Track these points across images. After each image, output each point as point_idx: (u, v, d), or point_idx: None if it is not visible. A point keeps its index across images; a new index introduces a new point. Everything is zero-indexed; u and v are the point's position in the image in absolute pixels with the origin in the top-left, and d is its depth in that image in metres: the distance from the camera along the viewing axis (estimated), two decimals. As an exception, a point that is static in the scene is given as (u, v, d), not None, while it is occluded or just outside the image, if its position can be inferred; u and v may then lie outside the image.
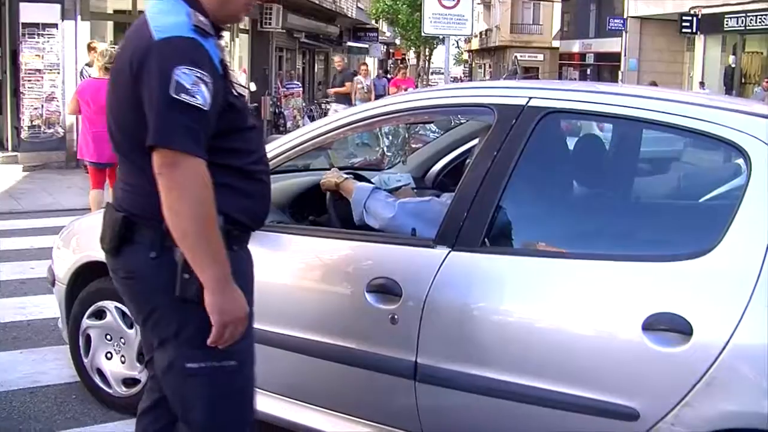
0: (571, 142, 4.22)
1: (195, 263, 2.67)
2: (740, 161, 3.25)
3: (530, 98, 3.75)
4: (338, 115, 4.38)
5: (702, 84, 31.50)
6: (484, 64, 71.47)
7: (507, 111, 3.72)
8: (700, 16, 32.63)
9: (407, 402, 3.67)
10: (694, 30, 33.42)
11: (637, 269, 3.31)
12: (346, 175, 4.53)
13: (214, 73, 2.73)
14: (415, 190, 5.19)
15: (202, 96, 2.64)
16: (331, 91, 22.87)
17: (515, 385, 3.39)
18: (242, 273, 2.92)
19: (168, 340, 2.91)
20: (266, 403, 3.96)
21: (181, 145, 2.61)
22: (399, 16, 55.24)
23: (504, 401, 3.45)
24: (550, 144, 3.90)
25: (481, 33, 68.61)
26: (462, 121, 5.56)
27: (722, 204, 3.25)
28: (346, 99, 20.87)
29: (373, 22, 51.61)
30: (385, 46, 57.05)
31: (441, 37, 23.55)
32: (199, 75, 2.64)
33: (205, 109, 2.65)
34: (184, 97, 2.60)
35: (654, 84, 21.77)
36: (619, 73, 38.57)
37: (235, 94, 2.94)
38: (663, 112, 3.52)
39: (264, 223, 3.13)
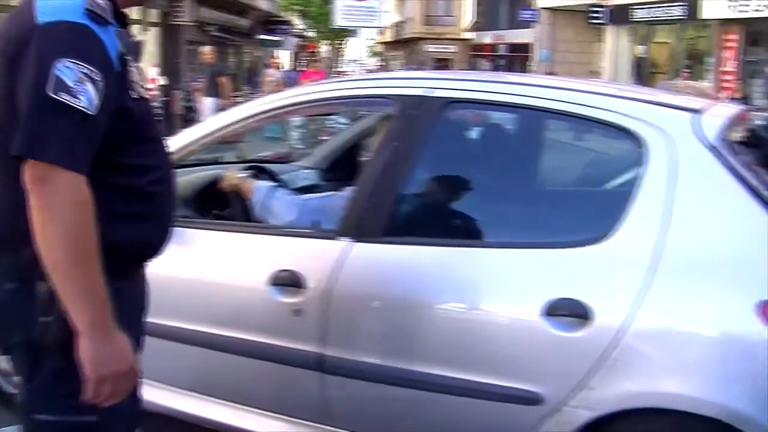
0: (476, 133, 4.25)
1: (67, 301, 2.16)
2: (638, 149, 3.30)
3: (430, 89, 3.77)
4: (243, 107, 4.34)
5: (596, 73, 31.98)
6: (398, 56, 71.59)
7: (406, 101, 3.73)
8: (608, 7, 33.14)
9: (316, 394, 3.67)
10: (603, 21, 33.95)
11: (538, 256, 3.36)
12: (244, 175, 4.49)
13: (108, 69, 2.22)
14: (321, 184, 5.18)
15: (87, 97, 2.14)
16: (197, 90, 20.31)
17: (420, 374, 3.42)
18: (127, 315, 2.37)
19: (22, 383, 2.44)
20: (175, 400, 3.93)
21: (55, 156, 2.10)
22: (310, 9, 55.03)
23: (410, 390, 3.47)
24: (451, 134, 3.93)
25: (394, 25, 68.73)
26: (369, 112, 5.57)
27: (621, 191, 3.32)
28: (215, 94, 18.98)
29: (286, 15, 51.40)
30: (298, 39, 56.86)
31: (353, 29, 23.53)
32: (86, 71, 2.14)
33: (90, 113, 2.14)
34: (64, 97, 2.10)
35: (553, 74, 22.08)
36: (531, 64, 39.01)
37: (136, 96, 2.39)
38: (562, 101, 3.57)
39: (161, 253, 2.66)
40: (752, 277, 3.05)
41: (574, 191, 4.00)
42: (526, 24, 40.42)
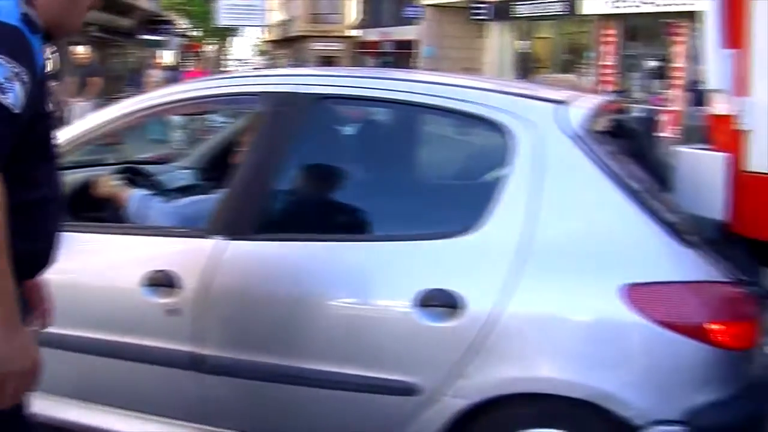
0: (348, 128, 4.27)
1: None
2: (505, 140, 3.36)
3: (298, 85, 3.78)
4: (114, 107, 4.27)
5: (472, 69, 32.40)
6: (285, 55, 71.30)
7: (275, 99, 3.73)
8: (491, 4, 33.60)
9: (195, 394, 3.65)
10: (486, 17, 34.42)
11: (409, 248, 3.40)
12: (118, 181, 4.42)
13: (34, 74, 2.20)
14: (197, 184, 5.13)
15: (14, 95, 2.11)
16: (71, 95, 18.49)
17: (297, 370, 3.44)
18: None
19: None
20: (57, 408, 3.84)
21: None
22: (193, 8, 54.28)
23: (288, 386, 3.49)
24: (321, 130, 3.94)
25: (280, 23, 68.43)
26: (241, 110, 5.55)
27: (489, 182, 3.38)
28: (86, 95, 17.49)
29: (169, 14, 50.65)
30: (183, 39, 56.08)
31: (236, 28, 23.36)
32: (17, 70, 2.13)
33: (16, 111, 2.12)
34: None
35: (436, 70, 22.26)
36: (416, 61, 39.28)
37: (47, 110, 2.39)
38: (431, 95, 3.62)
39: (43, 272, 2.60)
40: (616, 262, 3.16)
41: (445, 184, 4.06)
42: (410, 21, 40.69)
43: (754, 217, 3.53)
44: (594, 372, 3.12)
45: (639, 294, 3.06)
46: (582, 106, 3.54)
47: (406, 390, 3.28)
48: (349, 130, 4.19)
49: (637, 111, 20.34)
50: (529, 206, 3.23)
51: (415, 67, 34.55)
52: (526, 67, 32.05)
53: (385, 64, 43.09)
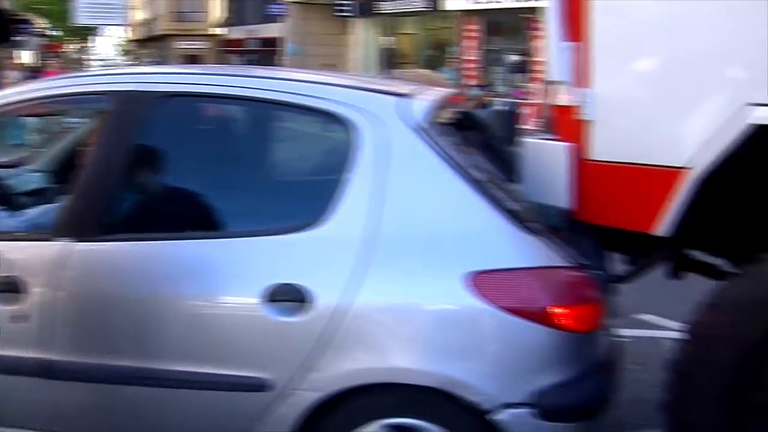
0: (195, 125, 4.21)
1: None
2: (348, 133, 3.39)
3: (143, 83, 3.74)
4: None
5: (331, 65, 32.52)
6: (149, 54, 70.04)
7: (121, 97, 3.67)
8: (355, 1, 33.74)
9: (47, 401, 3.57)
10: (351, 14, 34.55)
11: (258, 243, 3.40)
12: None
13: None
14: (47, 186, 5.00)
15: None
16: None
17: (148, 371, 3.40)
18: None
19: None
20: None
21: None
22: (50, 7, 52.74)
23: (140, 388, 3.45)
24: (168, 128, 3.88)
25: (142, 22, 67.21)
26: (88, 110, 5.42)
27: (334, 175, 3.40)
28: None
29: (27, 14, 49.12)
30: (42, 39, 54.54)
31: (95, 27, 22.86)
32: None
33: None
34: None
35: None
36: (281, 58, 39.15)
37: None
38: (277, 91, 3.63)
39: None
40: (461, 251, 3.23)
41: (292, 179, 4.07)
42: (275, 18, 40.52)
43: (597, 204, 3.64)
44: (443, 360, 3.18)
45: (483, 281, 3.13)
46: (426, 99, 3.59)
47: (258, 386, 3.29)
48: (196, 127, 4.13)
49: (499, 104, 20.82)
50: (374, 199, 3.28)
51: (279, 65, 34.42)
52: (391, 63, 32.29)
53: (249, 63, 42.78)
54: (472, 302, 3.12)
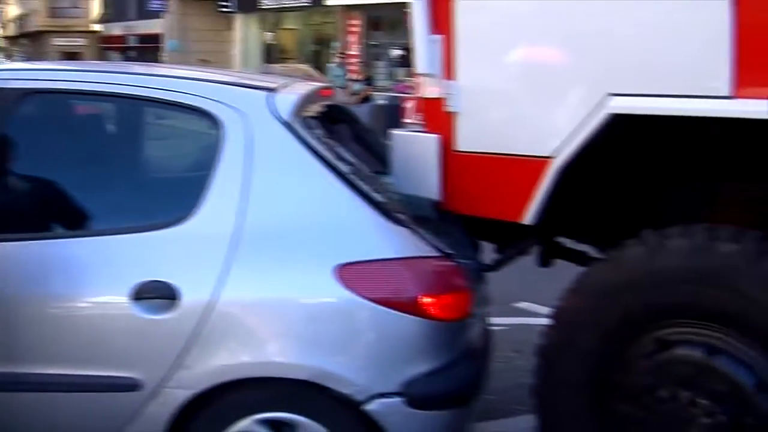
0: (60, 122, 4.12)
1: None
2: (216, 129, 3.38)
3: (8, 80, 3.63)
4: None
5: (206, 61, 32.24)
6: (25, 51, 68.16)
7: None
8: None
9: None
10: (232, 9, 34.25)
11: (125, 241, 3.35)
12: None
13: None
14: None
15: None
16: None
17: (14, 375, 3.33)
18: None
19: None
20: None
21: None
22: None
23: (6, 393, 3.36)
24: (30, 125, 3.79)
25: (17, 18, 65.38)
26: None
27: (201, 171, 3.39)
28: None
29: None
30: None
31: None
32: None
33: None
34: None
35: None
36: (162, 55, 38.60)
37: None
38: (143, 87, 3.60)
39: None
40: (328, 243, 3.25)
41: (159, 176, 4.01)
42: (155, 14, 39.88)
43: (465, 194, 3.70)
44: (314, 352, 3.20)
45: (352, 273, 3.16)
46: (294, 93, 3.61)
47: (128, 386, 3.25)
48: (63, 124, 4.04)
49: (381, 99, 20.94)
50: (241, 193, 3.27)
51: (159, 62, 33.90)
52: (273, 58, 32.11)
53: (128, 59, 42.02)
54: (340, 294, 3.14)
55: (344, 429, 3.25)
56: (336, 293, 3.14)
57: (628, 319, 3.26)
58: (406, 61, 25.95)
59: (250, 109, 3.40)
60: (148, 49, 43.17)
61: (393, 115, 21.22)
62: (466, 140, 3.66)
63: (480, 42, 3.60)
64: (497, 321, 6.67)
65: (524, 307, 7.36)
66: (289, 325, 3.22)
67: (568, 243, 4.37)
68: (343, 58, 25.02)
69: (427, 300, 3.18)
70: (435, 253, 3.34)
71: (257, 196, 3.26)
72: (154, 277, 3.21)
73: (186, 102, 3.47)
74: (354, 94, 22.11)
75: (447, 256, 3.38)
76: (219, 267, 3.19)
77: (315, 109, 3.74)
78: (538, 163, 3.39)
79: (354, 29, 28.32)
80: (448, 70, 3.68)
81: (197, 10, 37.66)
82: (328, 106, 4.00)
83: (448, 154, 3.70)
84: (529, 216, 3.44)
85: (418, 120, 3.99)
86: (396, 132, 4.04)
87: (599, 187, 3.83)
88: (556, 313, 3.47)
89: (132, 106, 3.76)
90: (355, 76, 23.26)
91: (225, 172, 3.31)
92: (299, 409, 3.24)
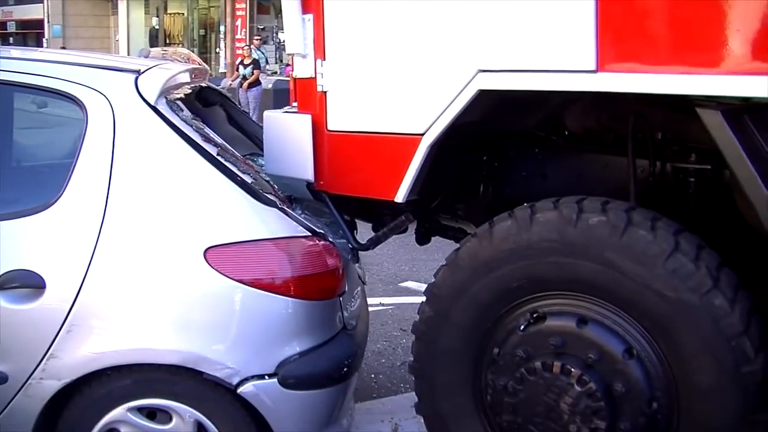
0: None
1: None
2: (80, 112, 3.30)
3: None
4: None
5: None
6: None
7: None
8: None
9: None
10: (115, -6, 33.70)
11: None
12: None
13: None
14: None
15: None
16: None
17: None
18: None
19: None
20: None
21: None
22: None
23: None
24: None
25: None
26: None
27: (67, 157, 3.31)
28: None
29: None
30: None
31: None
32: None
33: None
34: None
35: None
36: (44, 41, 37.68)
37: None
38: (7, 71, 3.47)
39: None
40: (197, 226, 3.21)
41: (25, 162, 3.86)
42: (35, -1, 38.91)
43: (338, 174, 3.68)
44: (185, 337, 3.16)
45: (221, 255, 3.13)
46: (159, 75, 3.52)
47: None
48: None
49: (269, 83, 20.80)
50: (107, 177, 3.20)
51: (41, 47, 33.07)
52: (159, 44, 31.64)
53: (7, 45, 40.88)
54: (210, 276, 3.10)
55: (220, 413, 3.22)
56: (205, 275, 3.10)
57: (501, 293, 3.29)
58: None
59: (114, 92, 3.32)
60: (28, 35, 42.11)
61: (281, 99, 21.22)
62: (337, 119, 3.64)
63: (348, 20, 3.57)
64: (384, 301, 6.79)
65: (410, 286, 7.42)
66: (159, 309, 3.16)
67: (446, 221, 4.40)
68: (260, 40, 24.74)
69: (297, 280, 3.18)
70: (305, 233, 3.32)
71: (121, 180, 3.19)
72: (18, 266, 3.13)
73: (49, 86, 3.38)
74: (243, 78, 21.91)
75: (318, 236, 3.37)
76: (84, 254, 3.12)
77: (184, 91, 3.68)
78: (408, 141, 3.39)
79: (240, 13, 28.09)
80: (319, 49, 3.65)
81: (81, -5, 36.93)
82: (201, 89, 3.94)
83: (320, 134, 3.67)
84: (400, 194, 3.45)
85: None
86: (268, 113, 4.00)
87: (469, 164, 3.88)
88: (431, 289, 3.48)
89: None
90: (245, 60, 23.04)
91: (88, 156, 3.23)
92: (173, 394, 3.20)
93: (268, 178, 3.67)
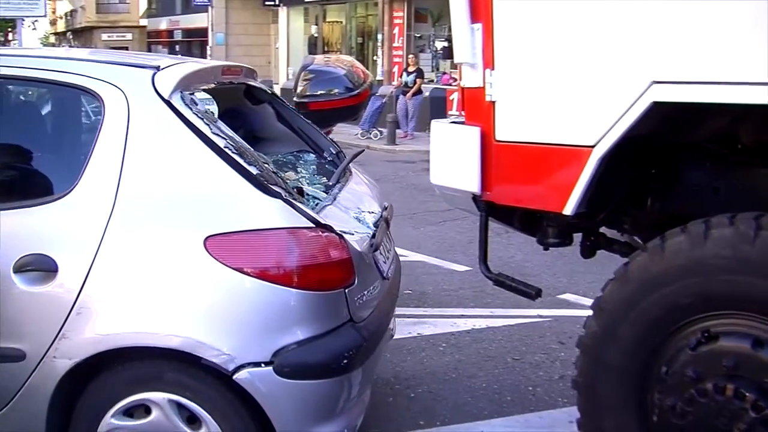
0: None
1: None
2: (97, 105, 3.46)
3: None
4: None
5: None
6: (74, 46, 69.03)
7: None
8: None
9: None
10: (276, 3, 34.42)
11: (7, 216, 3.38)
12: None
13: None
14: None
15: None
16: None
17: None
18: None
19: None
20: None
21: None
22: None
23: None
24: None
25: (65, 14, 66.22)
26: None
27: (83, 147, 3.49)
28: None
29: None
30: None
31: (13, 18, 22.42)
32: None
33: None
34: None
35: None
36: (207, 48, 38.89)
37: None
38: (28, 68, 3.67)
39: None
40: (201, 215, 3.30)
41: (42, 153, 3.99)
42: (200, 8, 40.17)
43: (506, 185, 3.64)
44: (186, 322, 3.22)
45: (223, 244, 3.19)
46: (178, 71, 3.65)
47: (14, 357, 3.30)
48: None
49: (426, 91, 20.82)
50: (120, 167, 3.32)
51: (207, 56, 34.15)
52: (318, 52, 32.19)
53: (174, 54, 42.37)
54: (213, 264, 3.16)
55: (217, 399, 3.28)
56: (208, 263, 3.17)
57: (671, 310, 3.20)
58: (449, 53, 25.98)
59: (131, 86, 3.46)
60: (193, 43, 43.55)
61: (437, 108, 21.29)
62: (506, 130, 3.60)
63: (518, 29, 3.54)
64: (542, 313, 6.71)
65: (568, 299, 7.31)
66: (163, 295, 3.24)
67: (611, 234, 4.32)
68: (380, 49, 25.01)
69: (297, 270, 3.21)
70: (308, 224, 3.32)
71: (131, 170, 3.32)
72: (34, 250, 3.27)
73: (69, 81, 3.54)
74: (406, 86, 22.07)
75: (322, 227, 3.36)
76: (93, 241, 3.24)
77: (219, 88, 3.96)
78: (578, 153, 3.33)
79: (398, 21, 28.30)
80: (487, 58, 3.62)
81: (242, 4, 37.95)
82: (249, 87, 4.03)
83: (488, 144, 3.64)
84: (569, 206, 3.38)
85: (461, 110, 3.93)
86: (435, 122, 3.99)
87: (643, 179, 3.79)
88: (599, 303, 3.42)
89: (19, 86, 3.90)
90: (407, 68, 23.22)
91: (103, 148, 3.37)
92: (176, 377, 3.30)
93: (275, 170, 3.70)
